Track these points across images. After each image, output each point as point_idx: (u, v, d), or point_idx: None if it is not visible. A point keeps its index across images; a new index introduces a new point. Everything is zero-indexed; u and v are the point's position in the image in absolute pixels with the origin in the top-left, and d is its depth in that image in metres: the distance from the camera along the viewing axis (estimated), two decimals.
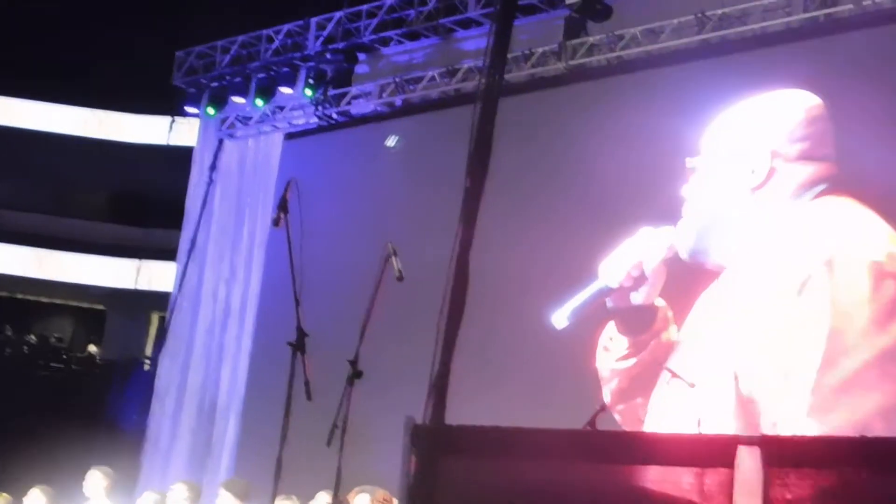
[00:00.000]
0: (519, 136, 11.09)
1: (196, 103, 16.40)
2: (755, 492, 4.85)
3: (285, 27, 15.44)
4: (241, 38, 15.95)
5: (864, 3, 10.49)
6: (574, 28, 12.43)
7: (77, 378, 23.06)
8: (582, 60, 12.43)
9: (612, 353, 10.04)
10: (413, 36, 14.39)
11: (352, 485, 9.26)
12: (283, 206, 6.59)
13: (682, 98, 10.81)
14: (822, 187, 8.80)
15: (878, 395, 7.52)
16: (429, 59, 14.35)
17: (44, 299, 28.53)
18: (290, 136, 15.50)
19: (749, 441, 5.02)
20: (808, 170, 9.29)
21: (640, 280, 9.23)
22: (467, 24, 13.81)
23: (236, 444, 14.62)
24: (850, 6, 10.60)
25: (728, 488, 4.91)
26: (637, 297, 9.64)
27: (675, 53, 11.78)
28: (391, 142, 13.74)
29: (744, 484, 5.02)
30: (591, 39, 12.33)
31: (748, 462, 4.98)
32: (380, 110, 14.68)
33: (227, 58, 16.00)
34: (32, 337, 25.68)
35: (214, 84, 16.12)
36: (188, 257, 16.17)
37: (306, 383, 6.32)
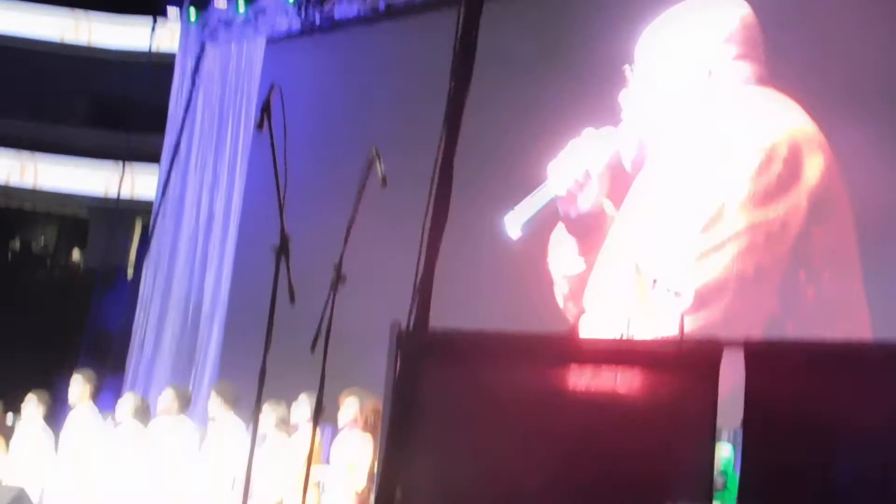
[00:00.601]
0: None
1: (178, 6, 16.23)
2: (738, 390, 4.93)
3: None
4: None
5: None
6: None
7: (61, 285, 23.05)
8: None
9: (562, 257, 10.35)
10: None
11: (336, 389, 9.30)
12: (266, 109, 6.53)
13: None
14: (753, 84, 9.44)
15: (740, 263, 8.17)
16: None
17: (26, 207, 28.41)
18: (272, 41, 15.37)
19: (733, 344, 5.08)
20: (745, 68, 9.91)
21: (586, 184, 9.52)
22: None
23: (221, 349, 14.66)
24: None
25: (713, 388, 4.98)
26: (584, 202, 9.99)
27: None
28: None
29: (728, 383, 5.09)
30: None
31: (732, 363, 5.04)
32: (363, 14, 14.53)
33: None
34: (16, 244, 25.62)
35: None
36: (171, 163, 16.10)
37: (290, 287, 6.31)
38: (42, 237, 27.65)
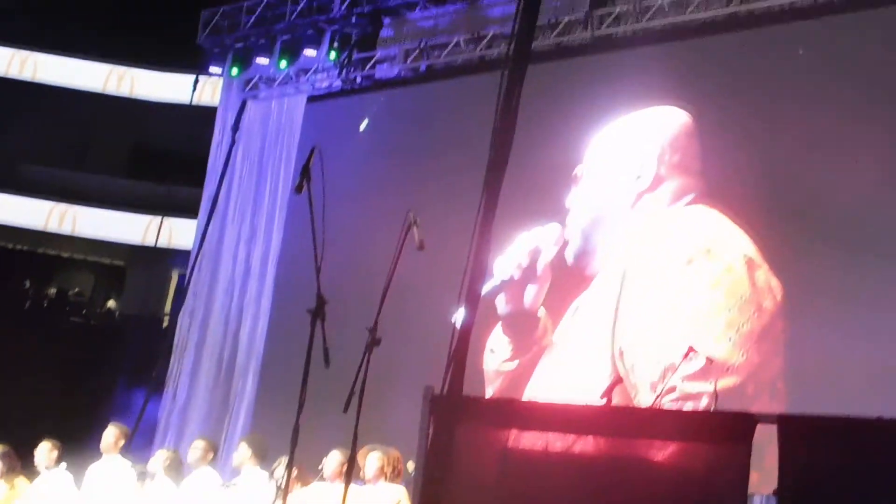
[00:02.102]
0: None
1: (220, 63, 16.42)
2: (772, 465, 4.95)
3: None
4: None
5: None
6: None
7: (96, 333, 23.14)
8: (608, 30, 12.38)
9: (497, 354, 10.71)
10: (439, 1, 14.36)
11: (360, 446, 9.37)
12: (305, 172, 6.60)
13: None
14: (691, 196, 9.83)
15: (749, 364, 8.39)
16: (454, 24, 14.31)
17: (64, 254, 28.57)
18: (312, 99, 15.51)
19: (767, 419, 5.10)
20: (683, 180, 10.33)
21: (530, 275, 9.82)
22: None
23: (253, 403, 14.69)
24: None
25: (745, 462, 5.00)
26: (526, 299, 10.37)
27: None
28: (363, 125, 13.76)
29: (761, 458, 5.11)
30: (617, 9, 12.29)
31: (766, 438, 5.06)
32: (404, 75, 14.66)
33: (253, 18, 15.98)
34: (52, 291, 25.77)
35: (239, 44, 16.12)
36: (209, 215, 16.22)
37: (325, 350, 6.35)
38: (79, 284, 27.77)
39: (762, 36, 11.09)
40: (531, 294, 9.99)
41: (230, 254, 15.86)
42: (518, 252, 9.81)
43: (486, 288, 9.80)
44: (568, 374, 9.70)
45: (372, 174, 13.87)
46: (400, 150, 13.76)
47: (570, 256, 10.19)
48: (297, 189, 6.48)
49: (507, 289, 9.84)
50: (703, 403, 8.79)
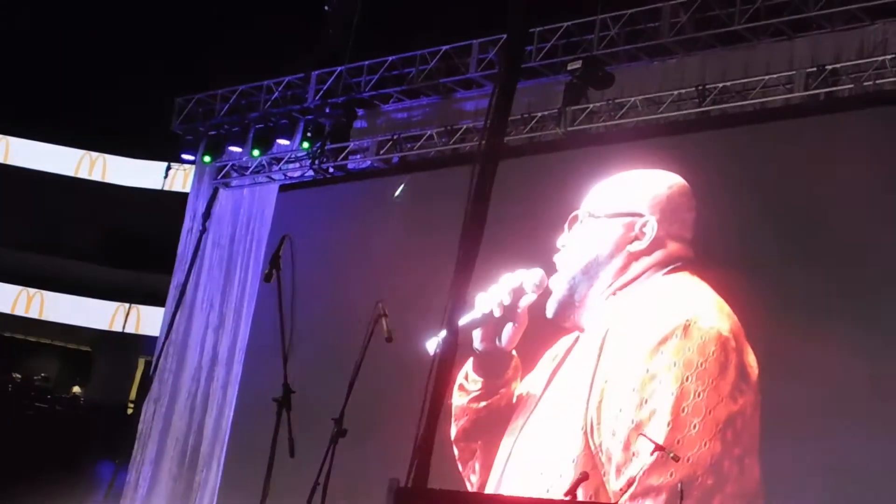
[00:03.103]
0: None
1: (193, 150, 16.42)
2: None
3: (286, 79, 15.48)
4: (241, 88, 15.99)
5: (865, 83, 10.57)
6: (574, 94, 12.47)
7: (60, 419, 22.93)
8: (581, 126, 12.47)
9: (466, 392, 10.66)
10: (413, 94, 14.45)
11: None
12: (275, 262, 6.61)
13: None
14: (677, 264, 9.89)
15: (711, 454, 8.42)
16: (427, 117, 14.39)
17: (30, 338, 28.39)
18: (284, 188, 15.51)
19: None
20: (675, 247, 10.42)
21: (510, 314, 9.83)
22: (468, 84, 13.88)
23: (216, 493, 14.54)
24: (851, 86, 10.69)
25: None
26: (503, 338, 10.34)
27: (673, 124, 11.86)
28: (398, 192, 13.72)
29: None
30: (591, 106, 12.39)
31: None
32: (376, 166, 14.70)
33: (226, 106, 16.04)
34: (17, 375, 25.55)
35: (212, 132, 16.14)
36: (177, 303, 16.13)
37: (290, 440, 6.32)
38: (44, 369, 27.56)
39: (735, 135, 11.20)
40: (508, 333, 9.90)
41: (197, 342, 15.76)
42: (501, 289, 9.74)
43: (464, 320, 9.73)
44: (540, 448, 9.57)
45: (342, 264, 13.84)
46: (371, 241, 13.74)
47: (551, 306, 10.09)
48: (266, 278, 6.48)
49: (486, 324, 9.78)
50: (661, 499, 8.70)
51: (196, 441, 15.22)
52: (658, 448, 8.07)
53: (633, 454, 8.78)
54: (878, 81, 10.55)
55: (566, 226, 10.11)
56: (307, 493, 6.52)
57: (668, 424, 8.74)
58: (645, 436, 8.37)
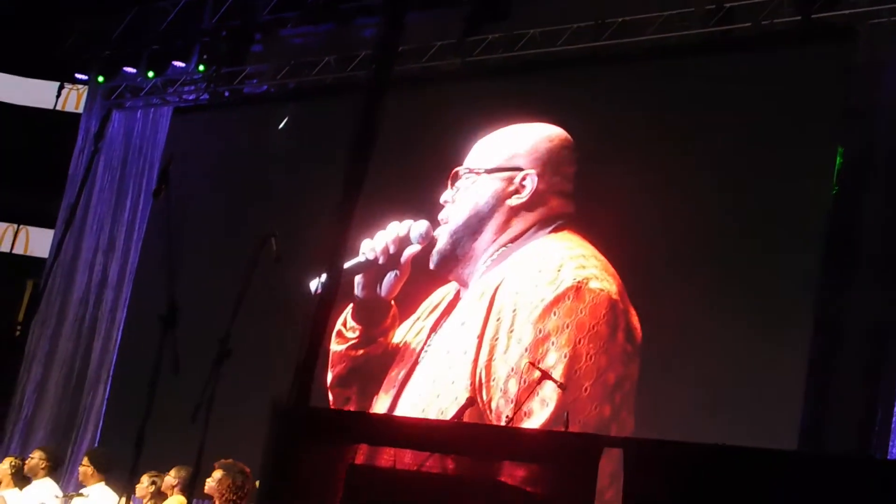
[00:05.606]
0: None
1: (87, 70, 16.15)
2: (616, 487, 5.01)
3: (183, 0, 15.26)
4: (136, 8, 15.72)
5: (763, 22, 10.63)
6: (473, 25, 12.40)
7: None
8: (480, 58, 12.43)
9: (343, 339, 10.79)
10: (312, 19, 14.30)
11: (214, 461, 9.30)
12: (163, 177, 6.55)
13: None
14: (560, 222, 10.05)
15: (600, 417, 8.64)
16: (326, 44, 14.26)
17: None
18: (179, 111, 15.34)
19: (612, 442, 5.16)
20: (556, 202, 10.55)
21: (393, 263, 9.97)
22: (369, 10, 13.75)
23: (102, 415, 14.47)
24: (749, 24, 10.74)
25: (591, 487, 5.05)
26: (385, 286, 10.49)
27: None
28: (282, 124, 13.66)
29: (605, 480, 5.17)
30: (489, 37, 12.34)
31: (611, 461, 5.13)
32: (272, 91, 14.58)
33: (122, 27, 15.77)
34: None
35: (106, 52, 15.87)
36: (67, 225, 15.93)
37: (175, 356, 6.28)
38: None
39: (636, 69, 11.26)
40: (389, 282, 9.99)
41: (87, 264, 15.58)
42: (386, 236, 9.77)
43: (348, 264, 9.81)
44: (424, 404, 9.69)
45: (234, 186, 13.76)
46: (264, 165, 13.67)
47: (434, 257, 10.16)
48: (155, 193, 6.42)
49: (368, 271, 9.84)
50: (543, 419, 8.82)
51: (83, 364, 15.08)
52: (545, 375, 8.18)
53: (525, 413, 8.87)
54: (775, 20, 10.59)
55: (449, 182, 10.17)
56: (192, 411, 6.51)
57: (561, 387, 8.85)
58: (534, 365, 8.48)
